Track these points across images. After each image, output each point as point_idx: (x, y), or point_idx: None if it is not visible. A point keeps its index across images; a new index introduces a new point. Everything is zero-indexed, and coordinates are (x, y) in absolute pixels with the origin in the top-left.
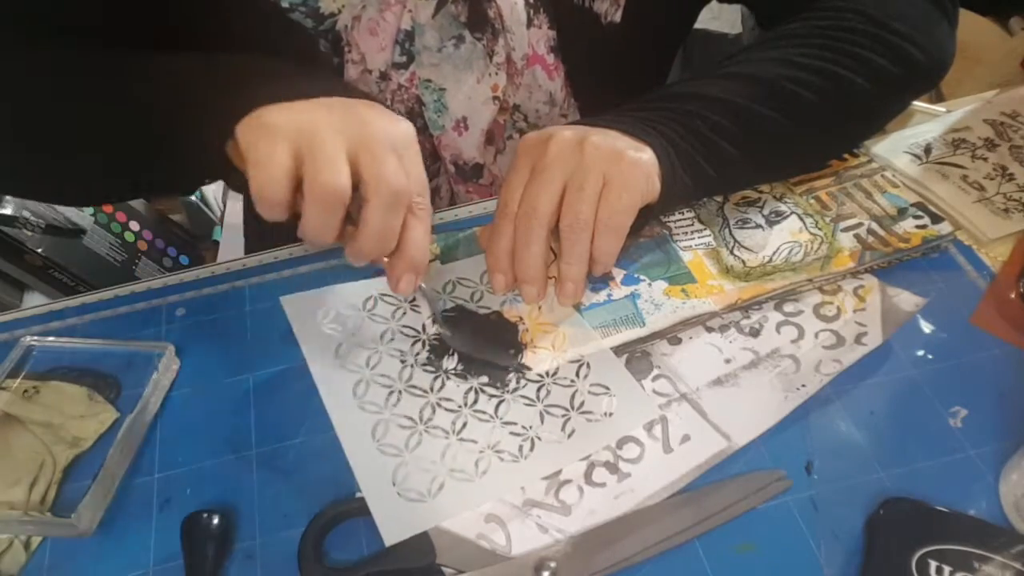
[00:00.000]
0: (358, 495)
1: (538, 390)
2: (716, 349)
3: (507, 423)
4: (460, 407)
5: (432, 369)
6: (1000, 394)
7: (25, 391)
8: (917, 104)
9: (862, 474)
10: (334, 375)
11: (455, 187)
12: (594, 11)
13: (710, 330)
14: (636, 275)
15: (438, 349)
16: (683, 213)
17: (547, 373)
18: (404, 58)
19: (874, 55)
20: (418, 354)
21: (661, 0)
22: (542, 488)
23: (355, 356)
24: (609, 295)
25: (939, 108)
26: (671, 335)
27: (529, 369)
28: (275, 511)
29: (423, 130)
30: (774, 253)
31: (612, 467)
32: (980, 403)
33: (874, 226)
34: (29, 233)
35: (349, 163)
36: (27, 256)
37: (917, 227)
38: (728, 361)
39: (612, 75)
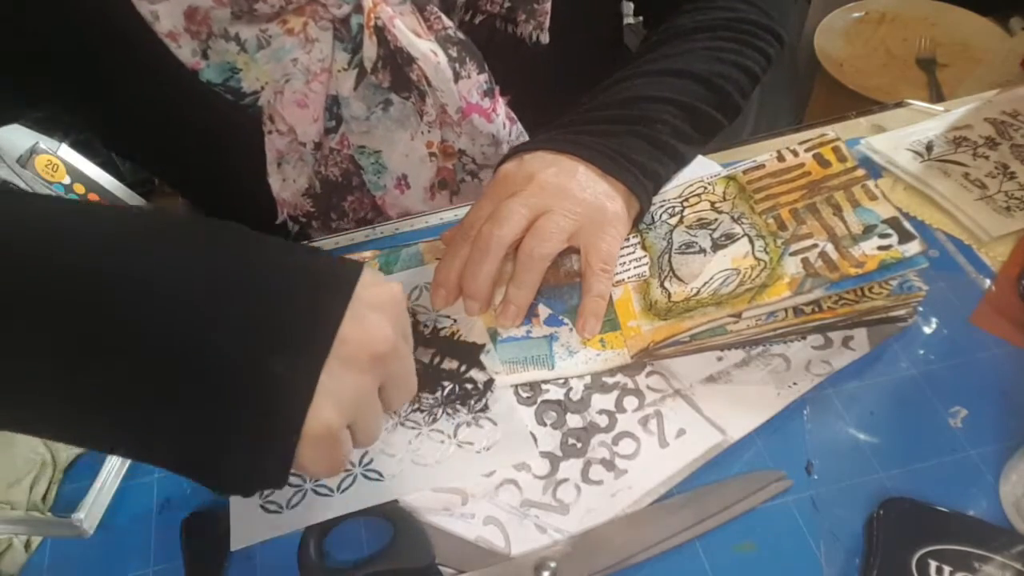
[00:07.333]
0: None
1: (426, 415)
2: None
3: (385, 446)
4: None
5: None
6: (1000, 394)
7: None
8: (916, 103)
9: (862, 474)
10: None
11: None
12: (518, 35)
13: None
14: (561, 317)
15: None
16: (628, 240)
17: (442, 397)
18: (333, 123)
19: (767, 45)
20: None
21: (579, 10)
22: (539, 488)
23: None
24: (528, 332)
25: (938, 108)
26: None
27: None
28: None
29: (361, 187)
30: (703, 285)
31: (609, 464)
32: (980, 403)
33: (828, 248)
34: None
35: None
36: None
37: (879, 248)
38: (720, 359)
39: (552, 96)
